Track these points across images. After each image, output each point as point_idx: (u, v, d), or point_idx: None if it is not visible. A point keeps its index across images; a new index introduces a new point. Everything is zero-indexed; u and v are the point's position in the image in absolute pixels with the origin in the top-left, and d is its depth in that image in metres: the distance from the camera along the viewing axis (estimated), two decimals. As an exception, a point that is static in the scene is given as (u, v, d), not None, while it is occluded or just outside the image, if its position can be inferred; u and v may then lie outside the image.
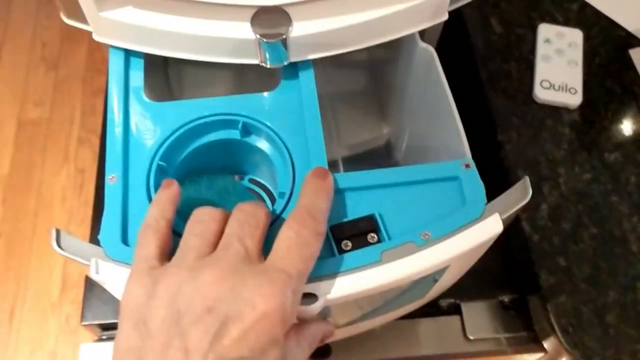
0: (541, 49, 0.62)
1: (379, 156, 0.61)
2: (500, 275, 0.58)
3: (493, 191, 0.40)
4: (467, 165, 0.40)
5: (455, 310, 0.57)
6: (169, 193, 0.37)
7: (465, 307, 0.57)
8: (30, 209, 1.42)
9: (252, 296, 0.31)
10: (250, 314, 0.30)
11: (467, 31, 0.64)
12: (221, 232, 0.35)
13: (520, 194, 0.39)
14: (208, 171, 0.46)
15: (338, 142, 0.59)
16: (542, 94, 0.59)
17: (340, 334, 0.49)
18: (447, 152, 0.46)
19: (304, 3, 0.39)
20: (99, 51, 1.54)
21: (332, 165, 0.47)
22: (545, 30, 0.63)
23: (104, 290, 0.38)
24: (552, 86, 0.60)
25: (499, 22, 0.65)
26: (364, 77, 0.61)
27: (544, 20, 0.65)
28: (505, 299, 0.58)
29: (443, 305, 0.57)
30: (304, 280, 0.34)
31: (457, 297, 0.57)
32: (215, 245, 0.34)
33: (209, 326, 0.30)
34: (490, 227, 0.38)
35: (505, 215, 0.38)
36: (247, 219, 0.35)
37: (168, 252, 0.36)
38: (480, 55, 0.63)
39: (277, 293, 0.31)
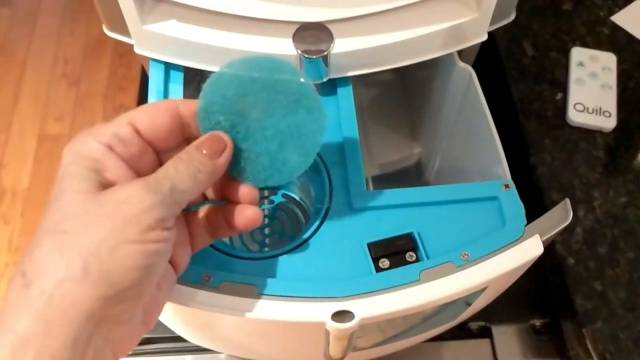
0: (574, 72, 0.62)
1: (409, 175, 0.60)
2: (532, 298, 0.57)
3: (526, 214, 0.39)
4: (507, 186, 0.40)
5: (486, 333, 0.56)
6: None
7: (496, 331, 0.56)
8: (48, 223, 1.42)
9: None
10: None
11: (498, 53, 0.64)
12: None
13: (561, 216, 0.38)
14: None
15: (368, 161, 0.59)
16: (575, 116, 0.59)
17: (362, 357, 0.49)
18: (483, 173, 0.45)
19: (346, 20, 0.39)
20: (120, 68, 1.56)
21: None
22: (578, 54, 0.63)
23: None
24: (585, 109, 0.59)
25: (531, 45, 0.65)
26: (395, 95, 0.61)
27: (576, 43, 0.64)
28: (537, 323, 0.57)
29: (473, 328, 0.56)
30: None
31: (488, 319, 0.56)
32: None
33: None
34: (531, 248, 0.37)
35: (545, 237, 0.38)
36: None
37: None
38: (512, 78, 0.63)
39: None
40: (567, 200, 0.38)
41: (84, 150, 0.29)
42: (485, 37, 0.43)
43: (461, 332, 0.56)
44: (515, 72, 0.63)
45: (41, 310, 0.25)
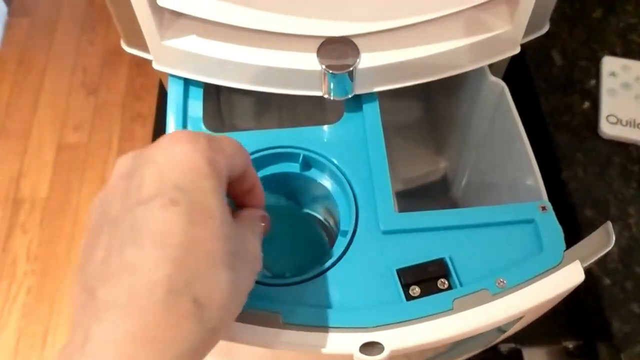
0: (606, 82, 0.59)
1: (435, 191, 0.58)
2: (565, 318, 0.55)
3: None
4: (544, 208, 0.38)
5: (516, 355, 0.54)
6: None
7: (527, 353, 0.54)
8: (66, 232, 1.42)
9: (160, 140, 0.27)
10: (160, 153, 0.27)
11: (526, 63, 0.62)
12: None
13: (602, 241, 0.36)
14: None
15: (392, 175, 0.57)
16: (608, 129, 0.56)
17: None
18: (514, 191, 0.43)
19: (373, 34, 0.38)
20: (138, 78, 1.55)
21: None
22: (609, 63, 0.60)
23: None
24: (619, 121, 0.57)
25: (560, 54, 0.63)
26: (421, 108, 0.59)
27: (607, 52, 0.62)
28: (570, 345, 0.54)
29: (503, 350, 0.54)
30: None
31: (518, 341, 0.54)
32: None
33: (126, 189, 0.26)
34: (571, 276, 0.35)
35: (586, 264, 0.35)
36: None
37: None
38: (541, 89, 0.60)
39: (183, 132, 0.28)
40: (609, 224, 0.36)
41: None
42: (518, 50, 0.42)
43: (490, 354, 0.54)
44: (544, 83, 0.61)
45: None
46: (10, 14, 1.74)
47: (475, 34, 0.39)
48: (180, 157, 0.26)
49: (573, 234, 0.53)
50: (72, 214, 1.44)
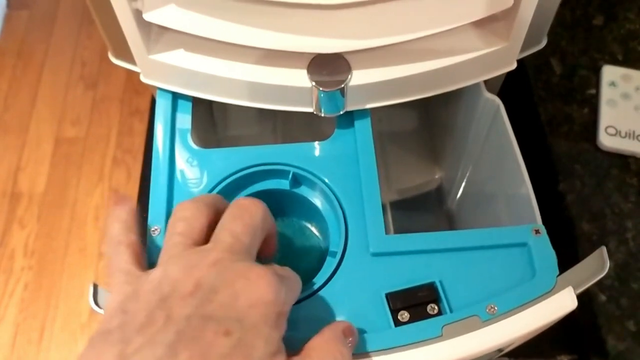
0: (606, 92, 0.58)
1: (429, 202, 0.57)
2: (560, 334, 0.54)
3: (553, 244, 0.37)
4: (537, 231, 0.37)
5: (509, 370, 0.53)
6: (127, 206, 0.34)
7: (521, 367, 0.53)
8: (64, 227, 1.41)
9: (246, 269, 0.29)
10: (241, 282, 0.28)
11: (525, 71, 0.61)
12: (209, 228, 0.32)
13: (596, 266, 0.35)
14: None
15: (387, 185, 0.56)
16: (607, 140, 0.55)
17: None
18: (512, 207, 0.42)
19: (365, 51, 0.37)
20: (137, 73, 1.54)
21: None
22: (609, 73, 0.59)
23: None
24: (618, 133, 0.56)
25: (559, 62, 0.62)
26: (417, 117, 0.58)
27: (609, 61, 0.61)
28: (564, 359, 0.53)
29: (496, 365, 0.53)
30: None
31: (512, 355, 0.53)
32: (201, 243, 0.32)
33: (195, 297, 0.28)
34: (563, 302, 0.34)
35: (579, 290, 0.35)
36: (241, 215, 0.32)
37: (145, 267, 0.33)
38: (540, 97, 0.59)
39: (271, 274, 0.29)
40: (604, 249, 0.35)
41: None
42: (514, 66, 0.40)
43: (484, 368, 0.53)
44: (543, 92, 0.60)
45: None
46: (9, 6, 1.73)
47: (471, 51, 0.38)
48: (257, 296, 0.28)
49: (569, 248, 0.53)
50: (70, 208, 1.44)
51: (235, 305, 0.28)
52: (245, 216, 0.32)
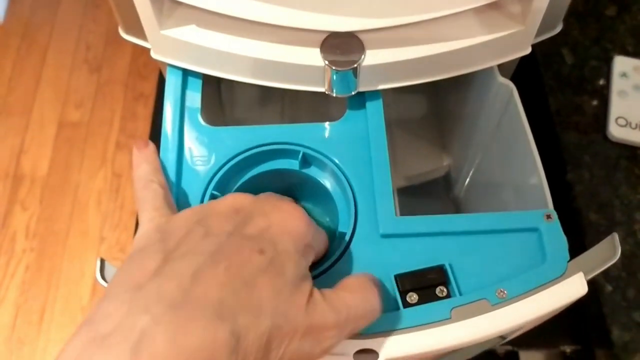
0: (617, 83, 0.58)
1: (437, 189, 0.57)
2: (564, 323, 0.54)
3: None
4: (549, 217, 0.36)
5: (513, 358, 0.53)
6: (152, 149, 0.37)
7: (524, 356, 0.53)
8: (66, 210, 1.41)
9: (280, 203, 0.32)
10: (276, 212, 0.31)
11: (536, 60, 0.60)
12: None
13: (607, 252, 0.35)
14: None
15: (394, 171, 0.56)
16: (617, 131, 0.55)
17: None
18: (521, 195, 0.42)
19: (379, 30, 0.36)
20: (142, 57, 1.53)
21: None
22: (621, 64, 0.59)
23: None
24: (628, 124, 0.55)
25: (570, 52, 0.61)
26: (427, 102, 0.58)
27: (620, 52, 0.60)
28: (568, 349, 0.53)
29: (500, 353, 0.53)
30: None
31: (515, 344, 0.53)
32: None
33: (233, 219, 0.30)
34: (573, 288, 0.34)
35: (590, 276, 0.34)
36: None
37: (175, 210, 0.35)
38: (550, 87, 0.59)
39: (301, 210, 0.32)
40: (615, 236, 0.35)
41: None
42: (529, 51, 0.40)
43: (487, 356, 0.53)
44: (553, 82, 0.60)
45: None
46: (15, -13, 1.72)
47: (486, 34, 0.38)
48: (289, 227, 0.31)
49: (577, 239, 0.53)
50: (72, 191, 1.43)
51: (269, 230, 0.30)
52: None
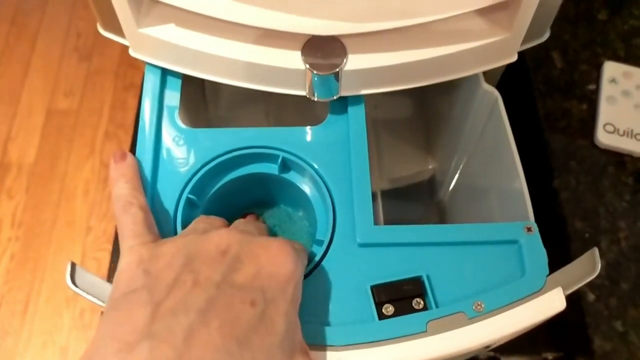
0: (606, 89, 0.57)
1: (421, 192, 0.56)
2: (546, 329, 0.53)
3: (545, 241, 0.36)
4: (529, 229, 0.36)
5: (494, 365, 0.53)
6: (130, 163, 0.36)
7: (505, 362, 0.53)
8: (53, 200, 1.40)
9: (267, 242, 0.31)
10: (263, 254, 0.30)
11: (525, 63, 0.60)
12: None
13: (587, 268, 0.34)
14: (240, 207, 0.42)
15: (379, 173, 0.55)
16: (604, 138, 0.54)
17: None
18: (504, 202, 0.41)
19: (362, 35, 0.35)
20: (133, 45, 1.52)
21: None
22: (610, 69, 0.58)
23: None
24: (616, 130, 0.55)
25: (560, 56, 0.60)
26: (413, 106, 0.57)
27: (611, 57, 0.60)
28: (549, 356, 0.53)
29: (481, 358, 0.53)
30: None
31: (497, 350, 0.53)
32: None
33: (221, 264, 0.29)
34: (552, 303, 0.34)
35: (569, 291, 0.34)
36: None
37: (156, 233, 0.34)
38: (539, 91, 0.58)
39: (289, 247, 0.31)
40: (596, 250, 0.34)
41: None
42: (515, 58, 0.39)
43: (468, 362, 0.53)
44: (542, 85, 0.59)
45: None
46: (5, -28, 1.69)
47: (471, 40, 0.37)
48: (278, 270, 0.30)
49: (561, 246, 0.52)
50: (59, 181, 1.42)
51: (258, 276, 0.29)
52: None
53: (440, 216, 0.56)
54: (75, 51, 1.57)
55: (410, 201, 0.56)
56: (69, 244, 1.35)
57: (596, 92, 0.58)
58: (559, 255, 0.37)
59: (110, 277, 0.53)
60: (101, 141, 1.46)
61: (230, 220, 0.41)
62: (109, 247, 1.35)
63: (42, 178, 1.42)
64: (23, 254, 1.33)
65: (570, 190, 0.54)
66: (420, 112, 0.57)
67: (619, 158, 0.55)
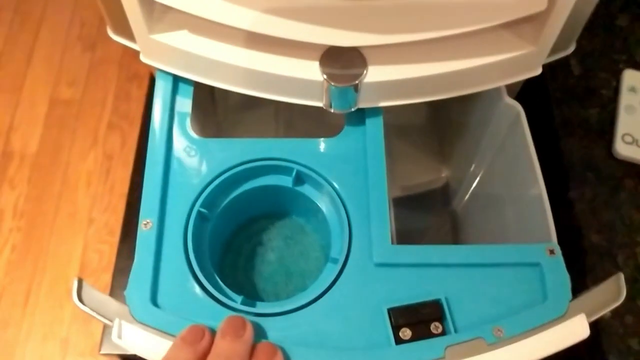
0: (625, 98, 0.56)
1: (434, 201, 0.55)
2: (558, 347, 0.52)
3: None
4: (552, 251, 0.35)
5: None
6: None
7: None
8: (55, 190, 1.39)
9: None
10: None
11: (542, 71, 0.58)
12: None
13: (612, 293, 0.33)
14: (250, 217, 0.41)
15: (391, 181, 0.54)
16: (623, 149, 0.53)
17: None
18: (522, 219, 0.40)
19: (384, 46, 0.34)
20: (138, 35, 1.50)
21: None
22: (630, 77, 0.57)
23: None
24: (635, 142, 0.54)
25: (578, 63, 0.59)
26: (428, 113, 0.56)
27: (630, 64, 0.58)
28: (562, 373, 0.52)
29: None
30: None
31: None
32: None
33: None
34: (574, 330, 0.33)
35: (593, 318, 0.33)
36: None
37: None
38: (556, 99, 0.57)
39: None
40: (621, 275, 0.33)
41: None
42: (539, 72, 0.38)
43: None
44: (559, 93, 0.58)
45: None
46: (8, -42, 1.67)
47: (495, 54, 0.35)
48: None
49: (576, 260, 0.51)
50: (62, 171, 1.41)
51: None
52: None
53: (453, 225, 0.55)
54: (79, 40, 1.55)
55: (422, 209, 0.55)
56: (70, 235, 1.34)
57: (615, 101, 0.56)
58: (576, 269, 0.36)
59: (115, 270, 0.52)
60: (104, 132, 1.44)
61: (238, 228, 0.40)
62: (111, 239, 1.34)
63: (44, 168, 1.41)
64: (25, 245, 1.32)
65: (586, 202, 0.52)
66: (434, 118, 0.56)
67: (637, 169, 0.54)
